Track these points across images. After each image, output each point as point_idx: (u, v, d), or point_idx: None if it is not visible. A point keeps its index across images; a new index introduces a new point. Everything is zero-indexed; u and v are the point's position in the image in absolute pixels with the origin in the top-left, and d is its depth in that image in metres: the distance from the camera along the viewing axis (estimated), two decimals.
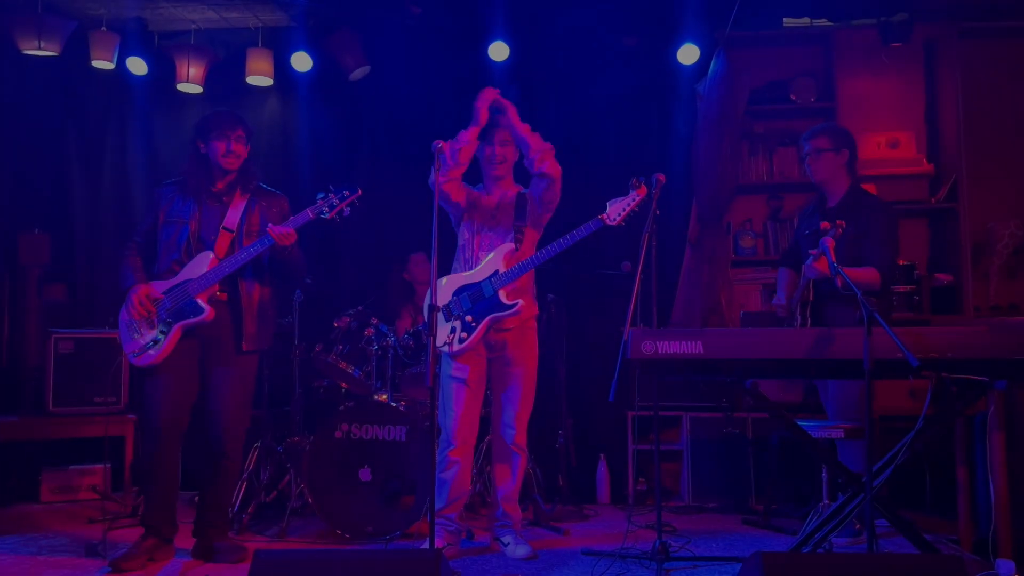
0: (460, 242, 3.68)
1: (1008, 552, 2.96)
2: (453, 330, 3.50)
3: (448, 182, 3.52)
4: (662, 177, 3.42)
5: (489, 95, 3.54)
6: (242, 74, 5.30)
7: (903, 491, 4.05)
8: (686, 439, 4.65)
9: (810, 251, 3.43)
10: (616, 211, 3.40)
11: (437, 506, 3.47)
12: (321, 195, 3.47)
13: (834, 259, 3.14)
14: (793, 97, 5.14)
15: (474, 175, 3.73)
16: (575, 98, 5.23)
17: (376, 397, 4.02)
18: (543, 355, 4.56)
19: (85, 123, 5.43)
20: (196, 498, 3.68)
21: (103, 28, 5.14)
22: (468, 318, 3.51)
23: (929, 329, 2.71)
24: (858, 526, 3.71)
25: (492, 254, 3.56)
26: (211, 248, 3.44)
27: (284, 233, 3.39)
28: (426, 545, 2.93)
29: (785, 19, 5.20)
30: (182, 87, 5.29)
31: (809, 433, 3.12)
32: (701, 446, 4.62)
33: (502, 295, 3.49)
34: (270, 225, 3.42)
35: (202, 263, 3.42)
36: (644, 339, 2.70)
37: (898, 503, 3.90)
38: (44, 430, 4.55)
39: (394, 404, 3.88)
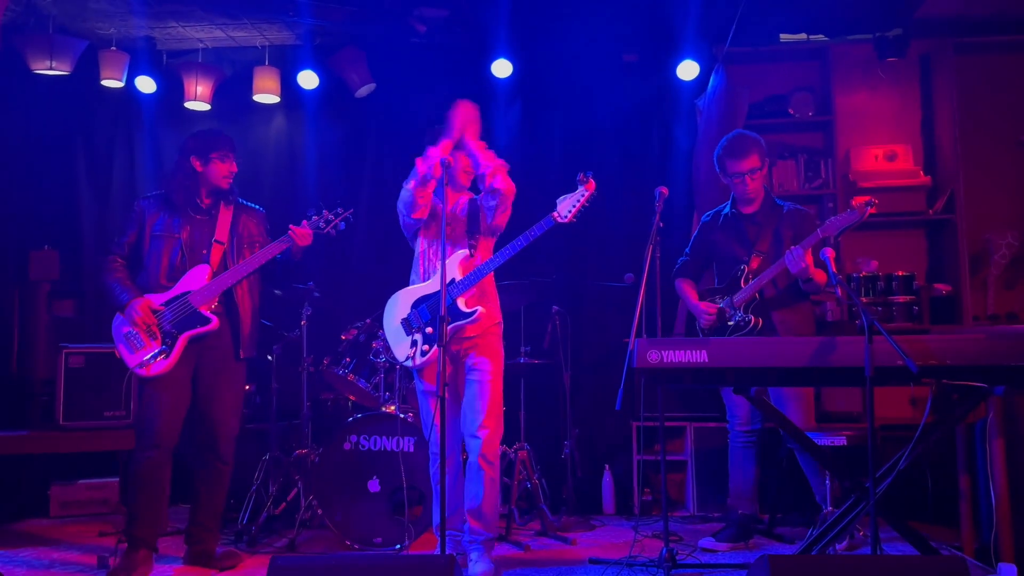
0: (416, 253, 3.63)
1: (1010, 556, 3.01)
2: (414, 343, 3.45)
3: (423, 206, 3.49)
4: (665, 190, 3.49)
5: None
6: (249, 92, 5.39)
7: (906, 500, 4.09)
8: (690, 449, 4.69)
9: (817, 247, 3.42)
10: (566, 208, 3.37)
11: (438, 519, 3.48)
12: (312, 212, 3.65)
13: (835, 269, 3.21)
14: (791, 111, 5.22)
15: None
16: (577, 114, 5.31)
17: (384, 408, 4.07)
18: (548, 367, 4.64)
19: (94, 141, 5.52)
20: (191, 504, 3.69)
21: (113, 47, 5.23)
22: (428, 330, 3.46)
23: (928, 337, 2.78)
24: (862, 532, 3.76)
25: (447, 262, 3.47)
26: (205, 261, 3.55)
27: (305, 233, 3.57)
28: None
29: (782, 35, 5.30)
30: (190, 105, 5.38)
31: (814, 441, 3.17)
32: (705, 456, 4.67)
33: (460, 303, 3.42)
34: (291, 226, 3.57)
35: (199, 276, 3.52)
36: (650, 348, 2.77)
37: (901, 512, 3.94)
38: (54, 444, 4.58)
39: (402, 415, 3.93)
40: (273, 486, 4.29)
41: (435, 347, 3.39)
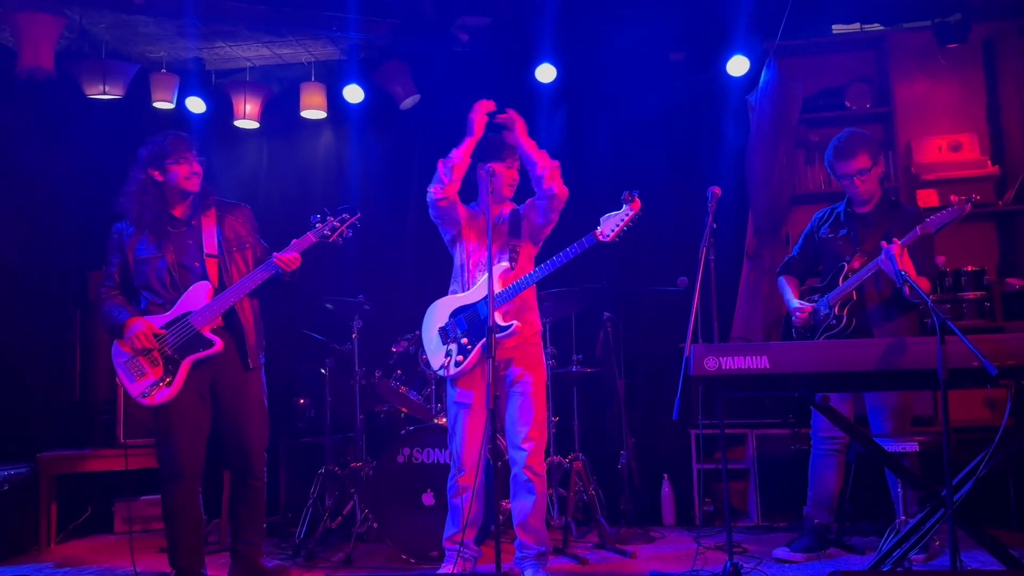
0: (456, 263, 3.59)
1: None
2: (449, 354, 3.40)
3: (444, 200, 3.48)
4: (718, 190, 3.37)
5: (484, 106, 3.46)
6: (296, 108, 5.43)
7: (986, 507, 3.89)
8: (752, 457, 4.54)
9: (886, 244, 3.29)
10: (609, 227, 3.27)
11: (449, 532, 3.43)
12: (317, 218, 3.42)
13: (900, 265, 3.06)
14: (848, 104, 5.05)
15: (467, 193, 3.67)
16: (624, 116, 5.22)
17: (436, 420, 4.03)
18: (602, 375, 4.54)
19: None
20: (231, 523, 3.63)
21: (163, 70, 5.33)
22: (464, 340, 3.40)
23: (1006, 336, 2.62)
24: (938, 542, 3.58)
25: (487, 274, 3.40)
26: (203, 278, 3.36)
27: (290, 259, 3.34)
28: (491, 567, 2.91)
29: (834, 26, 5.13)
30: (239, 123, 5.44)
31: (884, 448, 3.02)
32: (768, 464, 4.51)
33: (498, 316, 3.33)
34: (275, 254, 3.36)
35: (200, 294, 3.32)
36: (707, 355, 2.66)
37: (980, 520, 3.75)
38: (116, 461, 4.66)
39: None
40: (329, 500, 4.29)
41: (469, 358, 3.38)
